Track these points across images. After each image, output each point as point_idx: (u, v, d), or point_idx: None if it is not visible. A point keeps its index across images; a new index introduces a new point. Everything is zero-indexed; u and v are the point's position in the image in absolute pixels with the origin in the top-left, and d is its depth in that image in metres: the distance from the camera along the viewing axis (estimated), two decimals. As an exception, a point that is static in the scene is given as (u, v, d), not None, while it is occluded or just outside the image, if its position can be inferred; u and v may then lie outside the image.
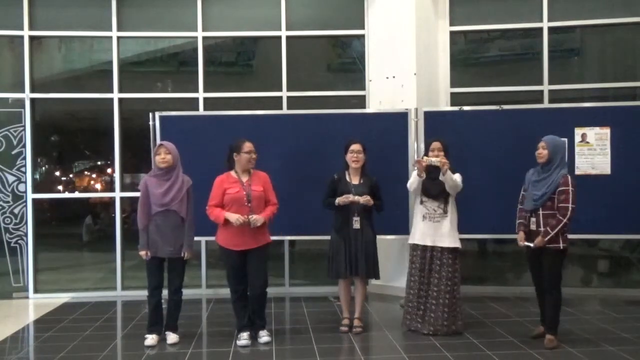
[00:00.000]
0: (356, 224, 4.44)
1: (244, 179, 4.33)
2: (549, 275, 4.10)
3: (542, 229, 4.05)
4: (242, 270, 4.31)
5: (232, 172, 4.36)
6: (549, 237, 4.00)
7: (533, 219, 4.12)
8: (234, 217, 4.16)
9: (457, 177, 4.37)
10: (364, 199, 4.37)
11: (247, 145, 4.30)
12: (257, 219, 4.19)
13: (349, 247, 4.46)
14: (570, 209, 3.97)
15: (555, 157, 4.07)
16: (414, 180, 4.44)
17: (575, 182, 4.07)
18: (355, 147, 4.48)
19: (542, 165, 4.11)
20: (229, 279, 4.36)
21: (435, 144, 4.43)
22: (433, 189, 4.41)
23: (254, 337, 4.36)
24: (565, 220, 3.97)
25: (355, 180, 4.52)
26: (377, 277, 4.60)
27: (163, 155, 4.25)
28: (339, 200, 4.42)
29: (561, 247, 4.02)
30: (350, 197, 4.38)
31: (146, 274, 4.35)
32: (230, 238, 4.25)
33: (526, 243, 4.16)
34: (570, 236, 4.15)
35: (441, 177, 4.29)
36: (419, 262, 4.48)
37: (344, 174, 4.56)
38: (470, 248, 6.43)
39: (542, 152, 4.10)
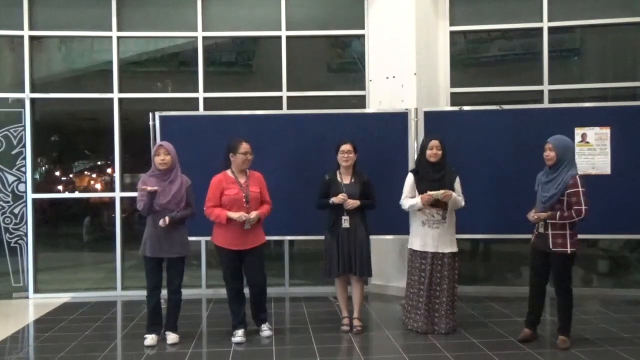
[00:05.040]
0: (345, 223, 4.48)
1: (242, 179, 4.38)
2: (558, 278, 4.09)
3: (549, 232, 4.02)
4: (239, 269, 4.41)
5: (229, 172, 4.40)
6: (551, 220, 3.98)
7: (542, 222, 4.07)
8: (236, 215, 4.23)
9: (460, 199, 4.45)
10: (351, 204, 4.43)
11: (244, 146, 4.34)
12: (255, 215, 4.29)
13: (341, 245, 4.50)
14: (584, 210, 3.92)
15: (563, 158, 4.01)
16: (413, 205, 4.46)
17: (585, 182, 4.01)
18: (345, 147, 4.52)
19: (551, 166, 4.06)
20: (225, 278, 4.43)
21: (434, 142, 4.45)
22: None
23: (255, 332, 4.46)
24: (576, 219, 3.93)
25: (346, 179, 4.56)
26: (369, 274, 4.63)
27: (162, 156, 4.24)
28: (334, 199, 4.45)
29: (568, 252, 4.00)
30: (342, 197, 4.43)
31: (145, 274, 4.35)
32: (228, 238, 4.32)
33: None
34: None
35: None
36: (419, 262, 4.50)
37: (336, 174, 4.60)
38: (469, 248, 6.43)
39: (549, 154, 4.04)
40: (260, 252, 4.45)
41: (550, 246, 4.02)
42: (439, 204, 4.42)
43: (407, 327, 4.56)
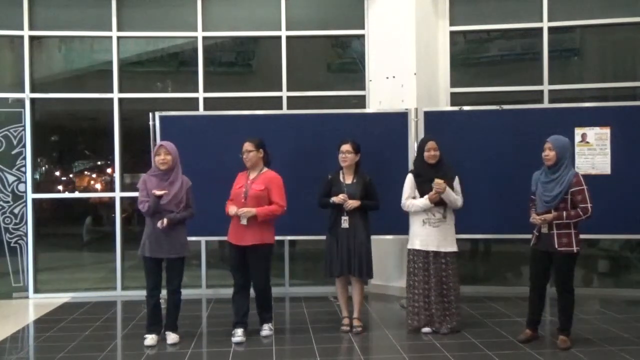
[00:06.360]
0: (345, 224, 4.48)
1: (251, 176, 4.44)
2: (561, 278, 4.08)
3: (554, 231, 4.01)
4: (241, 265, 4.42)
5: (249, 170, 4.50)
6: (558, 220, 3.97)
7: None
8: (232, 210, 4.32)
9: (458, 198, 4.44)
10: (351, 204, 4.43)
11: (243, 146, 4.41)
12: (245, 210, 4.26)
13: (340, 246, 4.50)
14: (590, 208, 3.94)
15: (563, 157, 4.02)
16: (420, 206, 4.42)
17: (585, 181, 4.03)
18: (344, 147, 4.53)
19: (550, 166, 4.07)
20: (231, 271, 4.50)
21: (431, 144, 4.45)
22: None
23: (255, 332, 4.47)
24: (583, 217, 3.95)
25: (348, 179, 4.56)
26: (370, 276, 4.62)
27: (163, 156, 4.24)
28: (334, 198, 4.46)
29: (574, 251, 4.01)
30: (342, 197, 4.43)
31: (144, 274, 4.35)
32: (231, 232, 4.41)
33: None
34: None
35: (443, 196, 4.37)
36: (422, 261, 4.46)
37: (338, 173, 4.61)
38: (470, 248, 6.43)
39: (549, 154, 4.04)
40: (262, 253, 4.38)
41: (556, 246, 4.01)
42: (440, 202, 4.42)
43: (412, 328, 4.51)
